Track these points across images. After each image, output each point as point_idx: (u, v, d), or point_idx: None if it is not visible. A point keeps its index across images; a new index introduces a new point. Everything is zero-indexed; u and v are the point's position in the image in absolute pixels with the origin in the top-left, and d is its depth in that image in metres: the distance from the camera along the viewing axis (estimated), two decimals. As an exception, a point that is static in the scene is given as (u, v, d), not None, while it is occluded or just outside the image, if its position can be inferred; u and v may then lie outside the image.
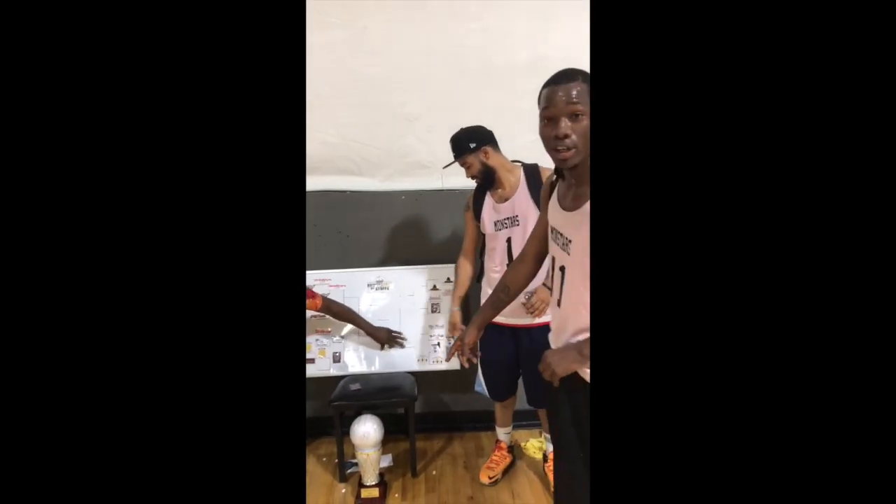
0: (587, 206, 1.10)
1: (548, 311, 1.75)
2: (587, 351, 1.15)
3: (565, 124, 1.05)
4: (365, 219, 2.30)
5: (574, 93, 1.04)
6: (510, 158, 1.90)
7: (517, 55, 2.14)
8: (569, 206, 1.16)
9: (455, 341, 1.49)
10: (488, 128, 1.87)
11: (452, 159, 1.88)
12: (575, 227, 1.14)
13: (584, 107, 1.04)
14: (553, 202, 1.24)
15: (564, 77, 1.06)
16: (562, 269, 1.21)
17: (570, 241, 1.16)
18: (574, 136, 1.05)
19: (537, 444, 2.29)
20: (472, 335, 1.45)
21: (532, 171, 1.86)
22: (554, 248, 1.25)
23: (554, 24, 2.12)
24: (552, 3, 2.10)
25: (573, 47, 2.09)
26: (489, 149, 1.83)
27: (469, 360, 1.47)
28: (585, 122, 1.05)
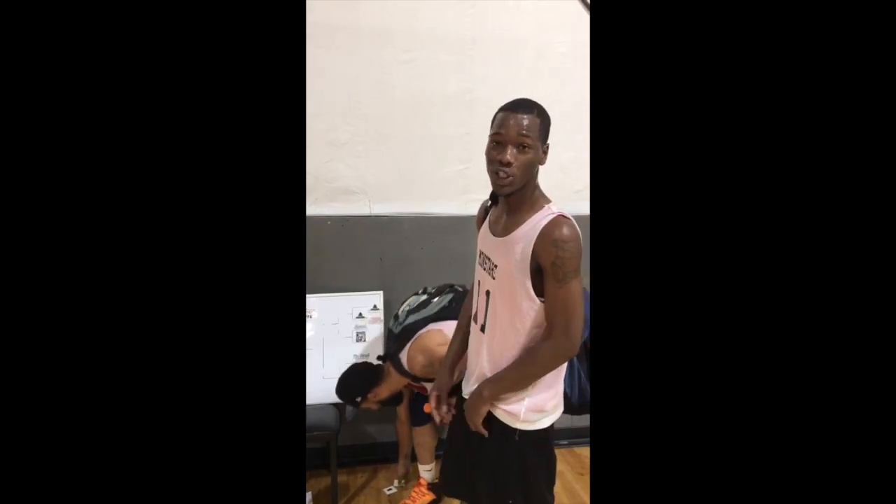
0: (515, 232, 1.12)
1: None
2: (487, 392, 1.17)
3: (511, 152, 1.07)
4: (289, 244, 2.23)
5: (525, 123, 1.06)
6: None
7: (445, 86, 2.19)
8: (499, 231, 1.18)
9: (431, 393, 1.36)
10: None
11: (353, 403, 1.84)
12: (502, 252, 1.15)
13: (532, 139, 1.07)
14: (484, 226, 1.26)
15: (521, 106, 1.08)
16: (487, 293, 1.21)
17: (496, 266, 1.17)
18: (515, 166, 1.07)
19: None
20: (446, 378, 1.36)
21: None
22: (480, 273, 1.25)
23: (481, 56, 2.20)
24: (479, 37, 2.18)
25: (500, 79, 2.20)
26: (378, 388, 1.79)
27: (449, 412, 1.33)
28: (530, 154, 1.07)
